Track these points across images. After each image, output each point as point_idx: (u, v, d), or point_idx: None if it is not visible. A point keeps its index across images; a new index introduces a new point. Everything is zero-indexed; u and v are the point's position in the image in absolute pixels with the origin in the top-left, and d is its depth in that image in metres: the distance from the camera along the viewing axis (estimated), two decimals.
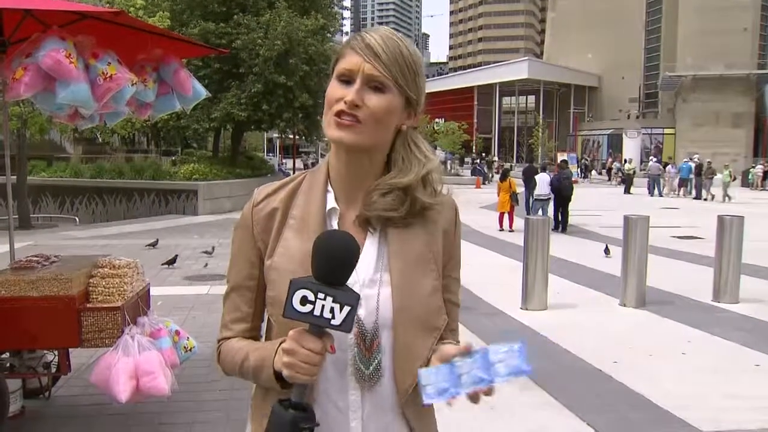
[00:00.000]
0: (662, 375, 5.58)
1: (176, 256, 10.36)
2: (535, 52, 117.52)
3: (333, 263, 1.16)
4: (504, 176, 16.78)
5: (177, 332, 4.41)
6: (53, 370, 4.46)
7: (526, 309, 7.74)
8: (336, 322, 1.14)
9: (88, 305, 4.02)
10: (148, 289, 4.58)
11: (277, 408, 1.18)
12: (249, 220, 1.39)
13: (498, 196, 16.55)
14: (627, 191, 31.33)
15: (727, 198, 26.78)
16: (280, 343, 1.23)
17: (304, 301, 1.14)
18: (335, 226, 1.34)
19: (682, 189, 29.80)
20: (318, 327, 1.16)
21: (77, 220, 18.37)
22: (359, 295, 1.17)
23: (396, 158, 1.36)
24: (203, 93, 4.70)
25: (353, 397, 1.30)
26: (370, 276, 1.31)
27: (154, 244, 12.27)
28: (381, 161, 1.37)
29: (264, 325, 1.46)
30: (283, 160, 45.29)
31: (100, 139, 26.25)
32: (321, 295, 1.14)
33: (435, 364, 1.25)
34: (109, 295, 4.07)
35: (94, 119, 4.41)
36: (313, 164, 48.98)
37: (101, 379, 3.91)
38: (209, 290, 8.55)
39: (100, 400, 4.38)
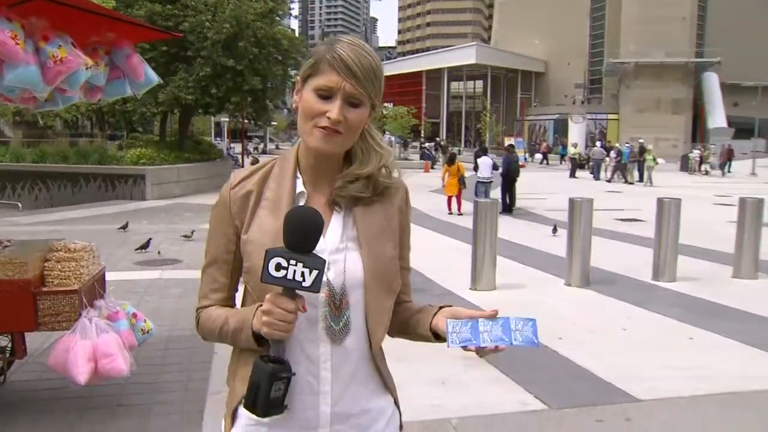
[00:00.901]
0: (605, 349, 5.86)
1: (149, 240, 10.27)
2: (482, 37, 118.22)
3: (301, 234, 1.33)
4: (452, 160, 17.04)
5: (134, 315, 4.44)
6: (8, 354, 4.45)
7: (476, 289, 7.97)
8: (306, 284, 1.31)
9: (44, 289, 4.02)
10: (104, 273, 4.59)
11: (259, 362, 1.36)
12: (227, 200, 1.55)
13: (444, 180, 16.80)
14: (572, 175, 32.04)
15: (649, 182, 27.21)
16: (257, 308, 1.40)
17: (278, 267, 1.30)
18: None
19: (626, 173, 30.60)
20: (291, 290, 1.33)
21: (20, 205, 17.90)
22: (325, 260, 1.34)
23: (356, 150, 1.55)
24: (155, 79, 4.70)
25: (323, 349, 1.47)
26: (336, 245, 1.49)
27: (124, 227, 12.28)
28: (343, 153, 1.55)
29: (239, 296, 1.61)
30: (231, 145, 44.74)
31: (42, 123, 25.53)
32: (293, 262, 1.31)
33: (443, 321, 1.49)
34: (65, 279, 4.08)
35: (56, 103, 4.37)
36: (256, 149, 48.36)
37: (59, 362, 3.93)
38: (161, 275, 8.52)
39: (57, 384, 4.41)
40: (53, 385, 4.49)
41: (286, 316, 1.33)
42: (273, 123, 42.67)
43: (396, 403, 1.63)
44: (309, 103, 1.44)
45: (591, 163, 32.60)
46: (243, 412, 1.48)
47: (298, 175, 1.55)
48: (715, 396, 4.77)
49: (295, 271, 1.31)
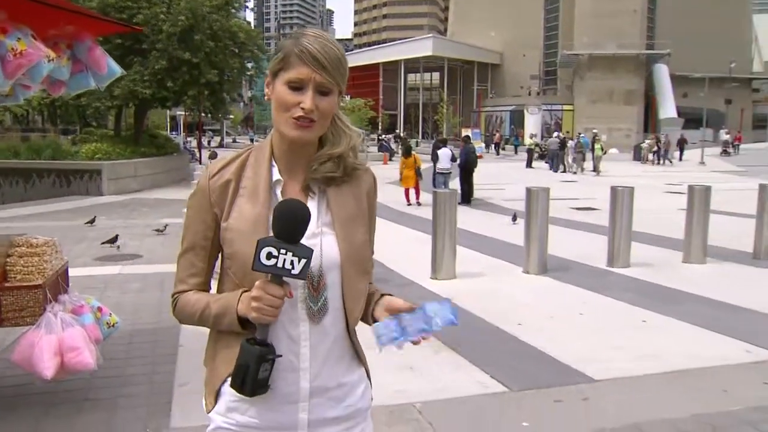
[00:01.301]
0: (562, 334, 6.04)
1: (117, 235, 10.17)
2: (438, 29, 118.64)
3: (291, 225, 1.43)
4: (408, 152, 17.24)
5: (99, 308, 4.43)
6: None
7: (436, 279, 8.11)
8: (295, 271, 1.41)
9: (6, 284, 4.00)
10: (67, 268, 4.58)
11: (246, 345, 1.46)
12: (206, 189, 1.62)
13: (401, 172, 16.97)
14: (529, 165, 32.52)
15: (598, 172, 27.53)
16: (242, 294, 1.50)
17: (269, 256, 1.40)
18: (279, 195, 1.60)
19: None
20: (278, 277, 1.42)
21: None
22: (312, 250, 1.44)
23: (327, 133, 1.64)
24: (118, 71, 4.68)
25: (303, 327, 1.57)
26: (312, 230, 1.57)
27: (92, 222, 12.31)
28: (317, 139, 1.64)
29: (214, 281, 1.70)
30: (188, 138, 44.21)
31: None
32: (283, 251, 1.41)
33: (383, 313, 1.60)
34: (28, 274, 4.06)
35: (16, 97, 4.34)
36: (209, 143, 47.71)
37: (24, 357, 3.91)
38: (121, 270, 8.46)
39: (22, 381, 4.38)
40: (18, 382, 4.46)
41: (275, 302, 1.44)
42: (230, 116, 42.28)
43: (368, 376, 1.75)
44: (282, 95, 1.53)
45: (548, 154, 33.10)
46: (226, 390, 1.57)
47: (274, 163, 1.63)
48: (666, 374, 4.99)
49: (284, 260, 1.40)
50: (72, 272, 4.91)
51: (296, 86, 1.52)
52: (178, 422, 4.04)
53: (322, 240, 1.58)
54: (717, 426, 4.07)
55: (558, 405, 4.48)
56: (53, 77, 4.17)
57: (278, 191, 1.61)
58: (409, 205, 16.36)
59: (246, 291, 1.50)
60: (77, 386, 4.49)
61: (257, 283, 1.45)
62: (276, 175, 1.62)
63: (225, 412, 1.60)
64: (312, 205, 1.61)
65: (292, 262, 1.41)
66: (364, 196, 1.70)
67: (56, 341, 3.90)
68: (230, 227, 1.57)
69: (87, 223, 12.30)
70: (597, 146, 28.76)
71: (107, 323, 4.45)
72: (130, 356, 5.21)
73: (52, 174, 18.03)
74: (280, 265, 1.40)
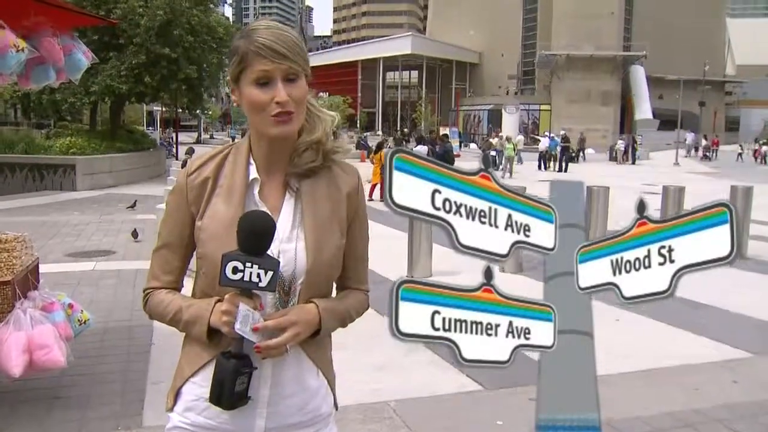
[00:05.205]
0: None
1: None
2: (418, 27, 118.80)
3: (254, 237, 1.40)
4: (378, 149, 17.59)
5: (70, 305, 4.36)
6: None
7: (412, 276, 8.09)
8: (263, 284, 1.39)
9: None
10: (38, 264, 4.51)
11: (221, 359, 1.43)
12: (183, 187, 1.58)
13: (373, 167, 17.17)
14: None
15: (508, 174, 26.61)
16: (215, 304, 1.46)
17: (235, 270, 1.38)
18: (256, 194, 1.56)
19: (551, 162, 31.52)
20: (248, 290, 1.40)
21: None
22: (279, 261, 1.42)
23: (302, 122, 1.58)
24: (84, 63, 4.55)
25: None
26: (288, 234, 1.54)
27: (133, 206, 13.14)
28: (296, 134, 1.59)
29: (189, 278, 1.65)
30: (166, 133, 43.78)
31: None
32: (249, 264, 1.38)
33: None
34: None
35: None
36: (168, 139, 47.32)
37: None
38: (95, 266, 8.35)
39: None
40: None
41: None
42: (208, 112, 42.04)
43: (330, 384, 1.70)
44: (253, 96, 1.49)
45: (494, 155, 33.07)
46: (185, 390, 1.55)
47: (252, 161, 1.59)
48: (639, 372, 5.04)
49: (251, 273, 1.38)
50: (45, 268, 4.85)
51: (263, 83, 1.47)
52: (151, 421, 3.99)
53: (297, 245, 1.55)
54: (689, 423, 4.12)
55: (532, 404, 4.47)
56: (14, 70, 4.04)
57: (255, 190, 1.57)
58: (371, 200, 16.35)
59: (220, 301, 1.47)
60: (47, 384, 4.42)
61: (227, 296, 1.43)
62: (253, 174, 1.58)
63: (182, 411, 1.57)
64: (288, 206, 1.57)
65: (258, 275, 1.38)
66: (344, 198, 1.63)
67: (25, 338, 3.84)
68: (204, 227, 1.54)
69: (128, 207, 13.07)
70: (509, 146, 27.35)
71: (78, 320, 4.38)
72: (102, 353, 5.15)
73: (25, 168, 17.71)
74: (247, 278, 1.38)
